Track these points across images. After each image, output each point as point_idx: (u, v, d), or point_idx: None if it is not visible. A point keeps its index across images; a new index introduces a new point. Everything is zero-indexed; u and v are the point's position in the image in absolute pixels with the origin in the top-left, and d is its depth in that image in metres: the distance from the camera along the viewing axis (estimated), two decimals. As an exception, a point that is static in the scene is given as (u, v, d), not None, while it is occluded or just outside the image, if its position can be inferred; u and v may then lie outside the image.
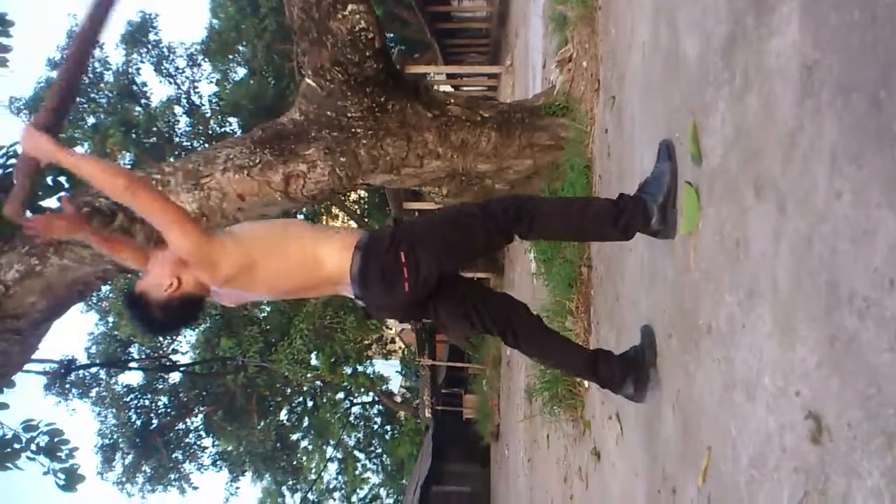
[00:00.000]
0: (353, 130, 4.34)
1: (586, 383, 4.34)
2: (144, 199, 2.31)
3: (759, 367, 1.82)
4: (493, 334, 2.73)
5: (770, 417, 1.74)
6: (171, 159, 18.21)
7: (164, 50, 20.26)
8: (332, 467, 27.14)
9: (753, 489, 1.80)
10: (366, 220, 23.16)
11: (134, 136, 17.98)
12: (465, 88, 20.87)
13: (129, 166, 17.80)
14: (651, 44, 3.05)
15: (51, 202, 5.08)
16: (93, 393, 21.21)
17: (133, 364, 21.94)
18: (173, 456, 22.34)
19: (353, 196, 22.02)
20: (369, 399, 26.76)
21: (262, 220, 2.64)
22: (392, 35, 21.32)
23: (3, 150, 5.09)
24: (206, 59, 21.27)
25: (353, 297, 2.55)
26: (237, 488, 24.29)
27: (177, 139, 19.19)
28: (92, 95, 19.38)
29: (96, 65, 19.40)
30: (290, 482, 25.94)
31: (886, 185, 1.32)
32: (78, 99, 19.01)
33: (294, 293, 2.67)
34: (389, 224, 2.60)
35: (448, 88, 18.40)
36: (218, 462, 23.64)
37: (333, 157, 4.34)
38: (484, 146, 4.56)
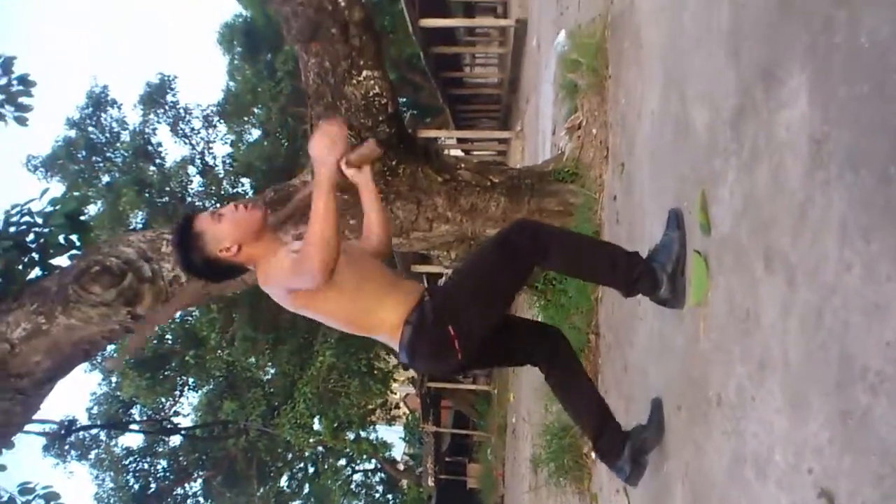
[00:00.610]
0: (363, 194, 4.37)
1: (593, 454, 4.26)
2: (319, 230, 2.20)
3: (769, 442, 1.77)
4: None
5: (781, 495, 1.69)
6: (183, 219, 18.34)
7: (181, 111, 20.64)
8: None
9: (766, 570, 1.74)
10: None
11: (147, 195, 18.18)
12: (475, 153, 21.15)
13: (140, 225, 17.96)
14: (660, 113, 3.09)
15: (61, 260, 5.10)
16: (91, 455, 20.90)
17: (134, 426, 21.70)
18: (171, 523, 21.88)
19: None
20: (371, 466, 26.29)
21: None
22: (405, 99, 21.71)
23: (18, 208, 5.14)
24: (222, 121, 21.66)
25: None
26: (236, 557, 23.70)
27: (189, 199, 19.38)
28: (108, 154, 19.71)
29: (113, 125, 19.79)
30: (290, 552, 25.30)
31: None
32: (93, 158, 19.36)
33: (349, 329, 2.62)
34: (423, 292, 2.55)
35: (459, 153, 18.66)
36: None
37: (343, 220, 4.36)
38: (493, 211, 4.58)
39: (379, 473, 26.58)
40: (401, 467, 26.61)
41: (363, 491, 26.53)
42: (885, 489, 1.30)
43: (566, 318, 4.97)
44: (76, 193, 5.57)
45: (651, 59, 3.36)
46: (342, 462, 24.95)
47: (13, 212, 5.13)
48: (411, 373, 22.74)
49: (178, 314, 18.23)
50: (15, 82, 6.35)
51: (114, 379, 20.46)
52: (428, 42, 14.58)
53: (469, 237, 4.68)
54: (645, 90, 3.44)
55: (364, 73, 4.11)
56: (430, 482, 19.94)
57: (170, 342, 19.69)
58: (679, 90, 2.78)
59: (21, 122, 6.51)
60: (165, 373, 20.46)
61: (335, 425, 19.33)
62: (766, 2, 1.95)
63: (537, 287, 5.16)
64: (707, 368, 2.27)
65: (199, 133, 21.08)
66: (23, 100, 6.42)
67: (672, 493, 2.55)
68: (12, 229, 5.07)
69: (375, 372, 20.60)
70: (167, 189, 18.70)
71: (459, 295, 2.51)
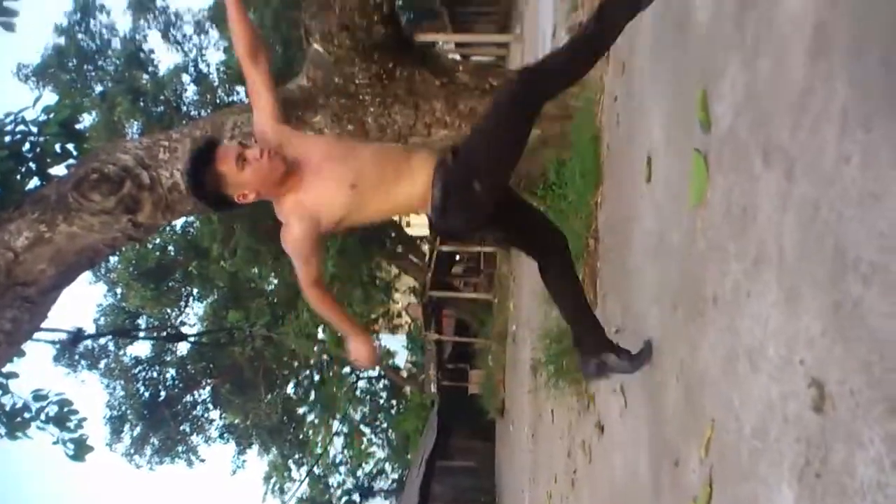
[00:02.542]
0: (361, 98, 4.31)
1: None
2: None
3: (763, 337, 1.81)
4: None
5: (773, 387, 1.73)
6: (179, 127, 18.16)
7: (172, 16, 20.09)
8: (338, 441, 27.34)
9: (755, 460, 1.80)
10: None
11: (142, 104, 17.88)
12: (474, 57, 20.69)
13: (136, 134, 17.75)
14: (662, 9, 3.00)
15: (60, 169, 5.08)
16: (101, 364, 21.33)
17: (142, 334, 22.07)
18: (181, 428, 22.49)
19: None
20: (375, 374, 26.85)
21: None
22: (401, 2, 21.09)
23: (12, 117, 5.08)
24: (214, 26, 21.08)
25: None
26: (244, 461, 24.49)
27: (184, 108, 19.09)
28: (99, 63, 19.28)
29: (103, 31, 19.29)
30: (297, 456, 26.11)
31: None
32: (85, 66, 18.96)
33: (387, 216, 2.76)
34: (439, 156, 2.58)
35: (457, 57, 18.26)
36: (225, 435, 23.78)
37: (340, 125, 4.32)
38: (492, 116, 4.53)
39: (383, 380, 27.15)
40: (404, 374, 27.19)
41: (368, 397, 27.19)
42: (872, 376, 1.33)
43: (566, 223, 4.98)
44: (69, 102, 5.47)
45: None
46: (347, 370, 25.50)
47: (7, 121, 5.08)
48: (413, 282, 22.98)
49: (179, 224, 18.29)
50: (-2, -14, 6.14)
51: (119, 290, 20.68)
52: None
53: (468, 142, 4.64)
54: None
55: (360, -31, 4.00)
56: (433, 388, 20.41)
57: (172, 253, 19.80)
58: None
59: (8, 27, 6.32)
60: (169, 283, 20.66)
61: (338, 335, 19.66)
62: None
63: (537, 193, 5.14)
64: (703, 267, 2.29)
65: (191, 39, 20.58)
66: (8, 4, 6.23)
67: (667, 390, 2.62)
68: (7, 139, 5.03)
69: (377, 282, 20.80)
70: (162, 98, 18.38)
71: (485, 154, 2.54)
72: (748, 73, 1.98)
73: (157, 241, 19.30)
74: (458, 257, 22.18)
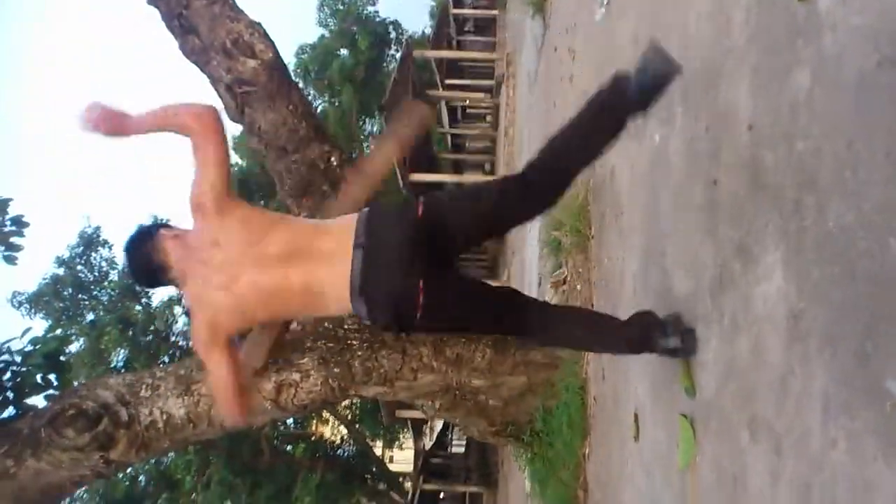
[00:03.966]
0: (349, 342, 4.36)
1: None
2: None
3: None
4: None
5: None
6: (166, 359, 18.12)
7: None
8: None
9: None
10: (357, 426, 22.63)
11: (130, 333, 18.03)
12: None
13: (121, 362, 17.66)
14: (641, 279, 3.17)
15: (38, 400, 4.99)
16: None
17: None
18: None
19: (345, 402, 21.70)
20: None
21: None
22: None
23: (-1, 344, 5.09)
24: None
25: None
26: None
27: (173, 338, 19.21)
28: (94, 293, 19.68)
29: (103, 264, 19.90)
30: None
31: (880, 438, 1.31)
32: (80, 295, 19.31)
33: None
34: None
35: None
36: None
37: (327, 368, 4.33)
38: (479, 362, 4.57)
39: None
40: None
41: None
42: None
43: (553, 473, 4.85)
44: (58, 332, 5.53)
45: (631, 226, 3.48)
46: None
47: (-7, 351, 5.08)
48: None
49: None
50: (9, 223, 6.45)
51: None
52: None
53: (454, 387, 4.64)
54: (626, 255, 3.53)
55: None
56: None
57: (143, 483, 18.91)
58: (659, 258, 2.87)
59: (10, 261, 6.55)
60: (138, 516, 19.48)
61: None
62: (739, 181, 2.05)
63: (523, 440, 5.06)
64: (697, 537, 2.21)
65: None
66: (14, 240, 6.49)
67: None
68: (-10, 369, 5.00)
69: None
70: (151, 328, 18.57)
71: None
72: (728, 349, 2.05)
73: (129, 470, 18.50)
74: (441, 495, 21.31)
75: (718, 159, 2.24)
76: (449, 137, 20.11)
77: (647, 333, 2.35)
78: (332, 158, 4.20)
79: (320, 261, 2.18)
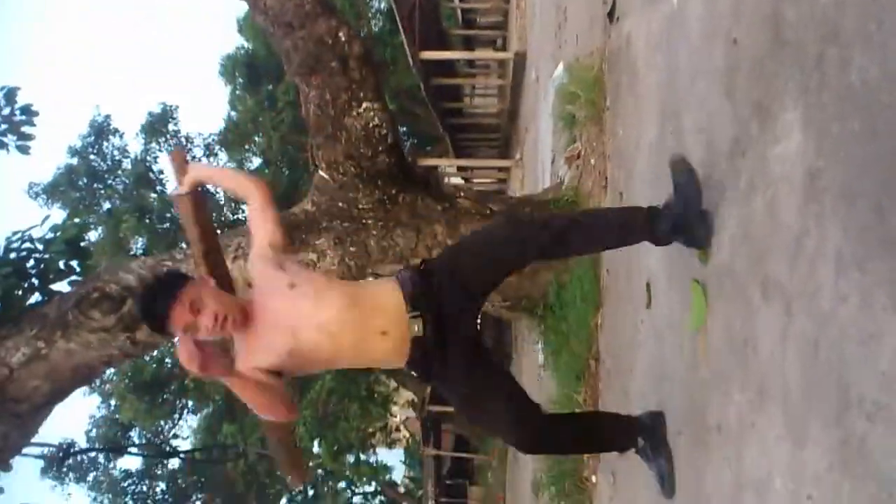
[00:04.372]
0: (364, 221, 4.41)
1: (594, 478, 4.25)
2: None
3: (769, 468, 1.78)
4: None
5: (782, 521, 1.70)
6: (183, 245, 18.38)
7: (182, 139, 20.78)
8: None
9: None
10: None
11: (147, 221, 18.23)
12: (475, 181, 21.22)
13: (141, 250, 17.96)
14: (657, 146, 3.13)
15: (61, 286, 5.12)
16: (90, 477, 20.79)
17: (133, 449, 21.58)
18: (170, 544, 21.69)
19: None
20: (371, 489, 26.08)
21: None
22: (404, 128, 21.85)
23: (19, 235, 5.17)
24: (223, 149, 21.79)
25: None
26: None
27: (190, 226, 19.39)
28: (109, 181, 19.79)
29: (115, 153, 19.89)
30: (289, 575, 25.02)
31: (892, 289, 1.33)
32: (95, 185, 19.44)
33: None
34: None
35: (458, 181, 18.73)
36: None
37: (343, 247, 4.39)
38: (493, 239, 4.61)
39: (379, 496, 26.37)
40: (401, 490, 26.42)
41: (364, 514, 26.31)
42: (882, 516, 1.31)
43: (566, 344, 4.98)
44: (77, 220, 5.60)
45: (647, 92, 3.40)
46: (342, 485, 24.77)
47: (14, 238, 5.17)
48: (411, 396, 22.65)
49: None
50: (18, 112, 6.42)
51: (112, 402, 20.38)
52: (428, 73, 14.72)
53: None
54: (642, 123, 3.48)
55: (364, 104, 4.17)
56: (431, 505, 19.76)
57: (169, 366, 19.65)
58: (675, 123, 2.82)
59: (23, 150, 6.58)
60: (164, 396, 20.37)
61: (335, 448, 19.24)
62: (760, 39, 1.99)
63: (537, 314, 5.17)
64: (707, 395, 2.28)
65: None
66: (25, 129, 6.49)
67: (673, 520, 2.55)
68: (13, 255, 5.10)
69: (375, 396, 20.50)
70: (167, 215, 18.75)
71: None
72: (743, 211, 2.04)
73: (154, 353, 19.18)
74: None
75: (738, 17, 2.17)
76: (459, 12, 19.46)
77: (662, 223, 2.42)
78: (340, 34, 4.09)
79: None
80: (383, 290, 2.37)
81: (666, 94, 3.03)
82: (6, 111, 6.34)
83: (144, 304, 2.29)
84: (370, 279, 2.34)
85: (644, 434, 2.66)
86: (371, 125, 4.18)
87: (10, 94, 6.30)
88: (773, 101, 1.88)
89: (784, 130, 1.80)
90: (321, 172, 4.41)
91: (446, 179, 14.93)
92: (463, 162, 19.59)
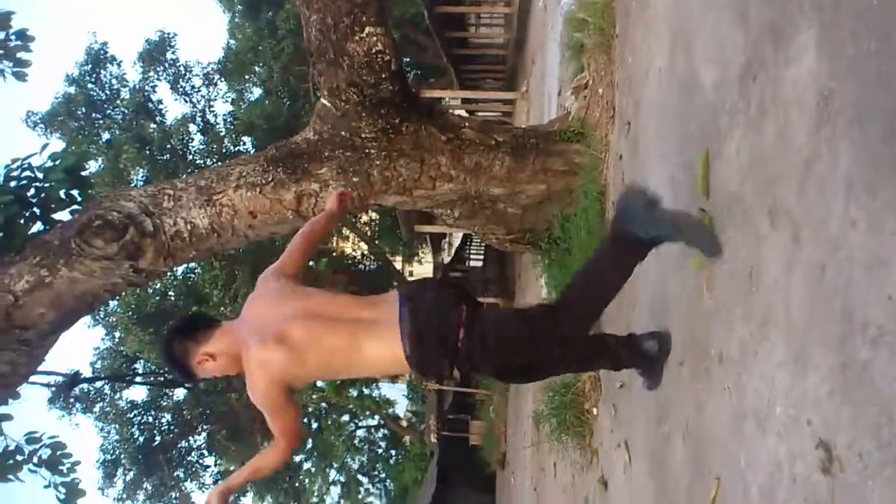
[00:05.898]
0: (367, 151, 4.35)
1: (595, 410, 4.30)
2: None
3: (770, 396, 1.80)
4: None
5: (780, 447, 1.72)
6: (184, 176, 18.29)
7: (181, 68, 20.43)
8: (335, 491, 26.95)
9: (762, 521, 1.77)
10: (376, 242, 23.15)
11: (148, 152, 18.07)
12: (480, 113, 20.97)
13: (141, 182, 17.88)
14: (667, 71, 3.07)
15: (63, 215, 5.11)
16: (96, 408, 21.15)
17: (138, 379, 21.92)
18: (175, 474, 22.19)
19: (364, 218, 22.07)
20: (374, 422, 26.61)
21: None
22: (408, 59, 21.48)
23: (19, 163, 5.14)
24: (223, 79, 21.43)
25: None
26: (239, 509, 24.14)
27: (190, 157, 19.25)
28: (108, 111, 19.55)
29: (113, 81, 19.59)
30: (292, 504, 25.74)
31: (902, 213, 1.31)
32: (93, 114, 19.23)
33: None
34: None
35: (463, 113, 18.49)
36: (220, 482, 23.36)
37: (346, 177, 4.35)
38: (497, 170, 4.57)
39: (382, 429, 26.89)
40: (404, 424, 26.91)
41: (366, 446, 26.88)
42: (881, 439, 1.32)
43: (570, 278, 4.98)
44: (76, 149, 5.55)
45: (658, 17, 3.32)
46: (346, 418, 25.24)
47: (14, 166, 5.14)
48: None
49: (180, 270, 18.29)
50: (13, 37, 6.29)
51: (117, 334, 20.60)
52: (432, 1, 14.39)
53: (473, 195, 4.66)
54: (652, 49, 3.40)
55: (367, 29, 4.07)
56: (433, 439, 20.16)
57: (172, 298, 19.79)
58: (686, 48, 2.76)
59: (20, 77, 6.47)
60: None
61: (338, 382, 19.50)
62: (777, -44, 1.92)
63: (541, 247, 5.15)
64: (709, 326, 2.29)
65: (199, 91, 20.89)
66: (21, 55, 6.37)
67: (672, 447, 2.59)
68: (13, 184, 5.08)
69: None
70: (168, 146, 18.58)
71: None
72: (753, 136, 2.01)
73: (157, 286, 19.30)
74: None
75: (755, -65, 2.09)
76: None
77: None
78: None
79: None
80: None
81: (677, 18, 2.95)
82: (0, 36, 6.20)
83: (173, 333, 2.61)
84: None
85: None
86: (374, 51, 4.09)
87: (4, 18, 6.15)
88: (787, 23, 1.83)
89: (797, 52, 1.76)
90: (323, 100, 4.34)
91: (451, 111, 14.72)
92: (468, 94, 19.30)
